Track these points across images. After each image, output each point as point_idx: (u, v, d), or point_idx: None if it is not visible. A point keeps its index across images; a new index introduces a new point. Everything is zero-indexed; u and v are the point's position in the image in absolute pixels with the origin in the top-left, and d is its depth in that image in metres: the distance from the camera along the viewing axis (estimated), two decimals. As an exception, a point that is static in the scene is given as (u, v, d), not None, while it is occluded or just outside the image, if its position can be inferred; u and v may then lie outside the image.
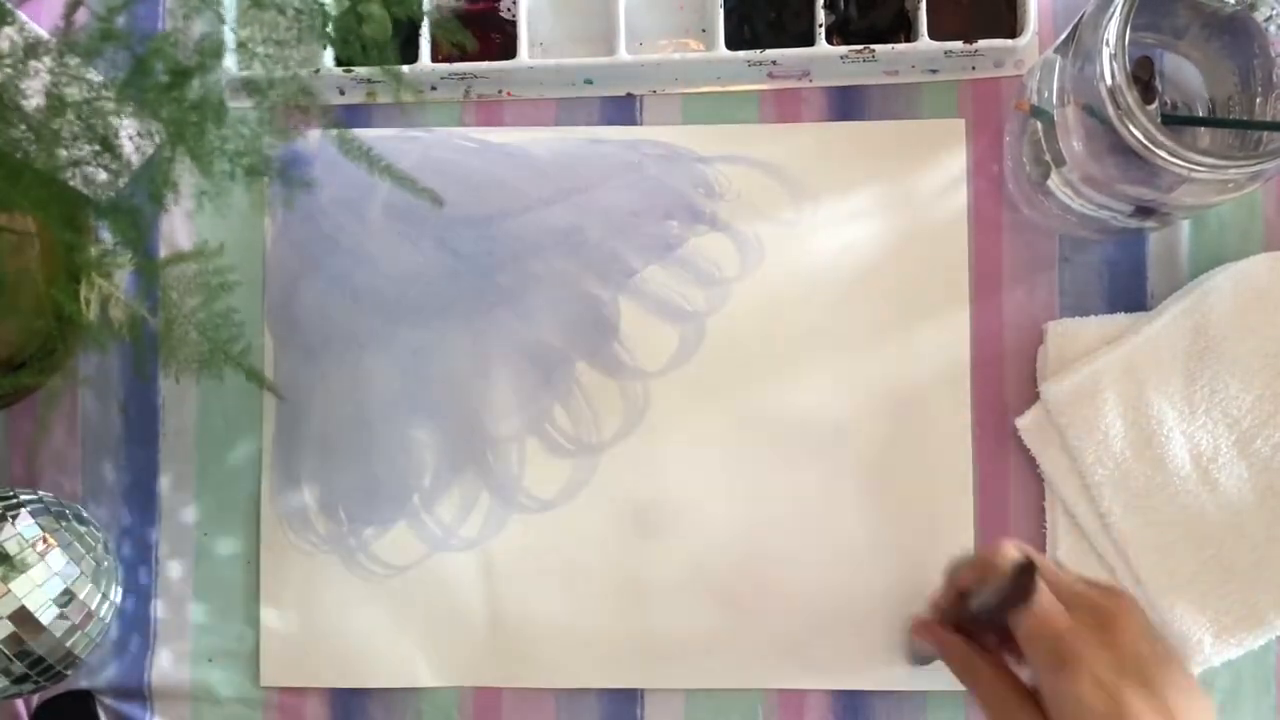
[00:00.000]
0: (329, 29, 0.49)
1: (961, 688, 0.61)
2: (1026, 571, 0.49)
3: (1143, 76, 0.57)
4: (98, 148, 0.48)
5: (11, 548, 0.59)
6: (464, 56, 0.65)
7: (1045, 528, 0.63)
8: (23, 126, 0.48)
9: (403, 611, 0.65)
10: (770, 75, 0.65)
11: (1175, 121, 0.57)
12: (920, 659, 0.61)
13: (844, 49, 0.63)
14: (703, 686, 0.64)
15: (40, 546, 0.60)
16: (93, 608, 0.61)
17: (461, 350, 0.64)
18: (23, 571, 0.58)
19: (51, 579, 0.60)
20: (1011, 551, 0.52)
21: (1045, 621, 0.49)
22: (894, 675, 0.63)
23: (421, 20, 0.64)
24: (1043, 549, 0.63)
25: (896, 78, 0.65)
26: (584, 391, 0.65)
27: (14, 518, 0.60)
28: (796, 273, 0.65)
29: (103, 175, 0.52)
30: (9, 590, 0.58)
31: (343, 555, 0.65)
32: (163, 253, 0.66)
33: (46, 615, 0.59)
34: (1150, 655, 0.48)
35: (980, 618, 0.53)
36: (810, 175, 0.65)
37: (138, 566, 0.66)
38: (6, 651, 0.58)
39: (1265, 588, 0.60)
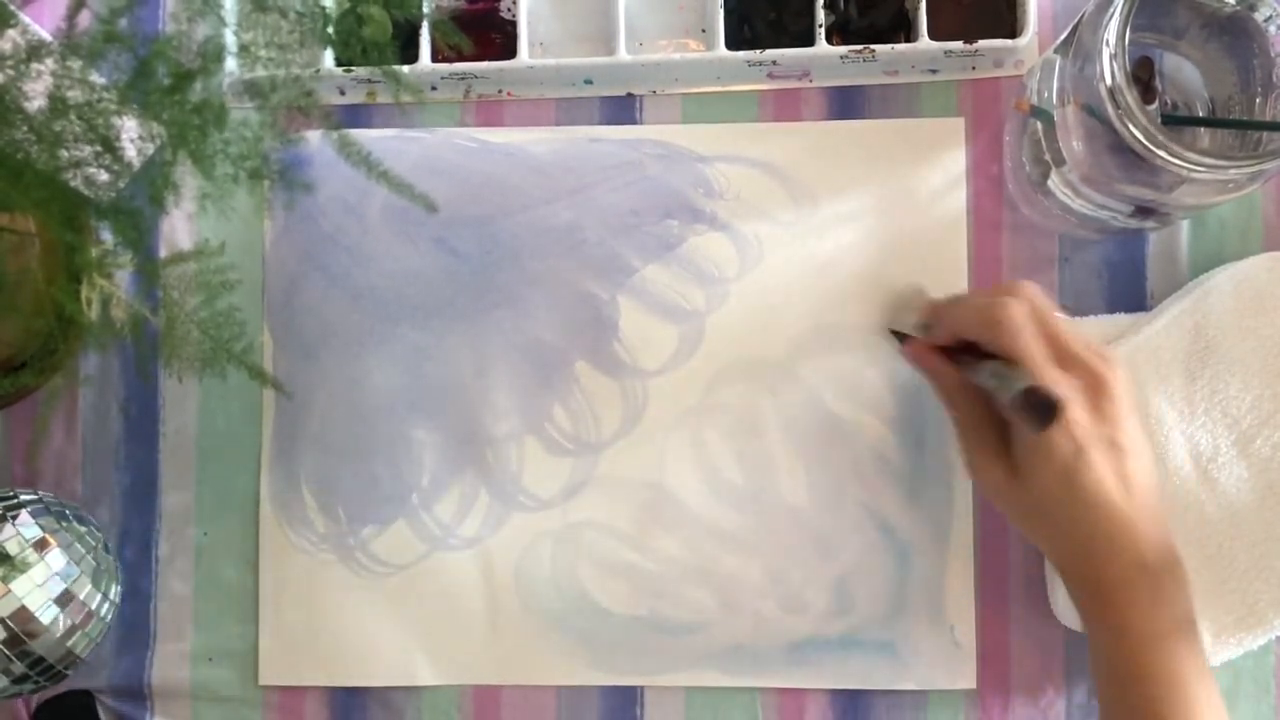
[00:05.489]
0: (329, 30, 0.49)
1: (960, 686, 0.61)
2: (1051, 409, 0.49)
3: (1143, 76, 0.57)
4: (99, 149, 0.48)
5: (11, 548, 0.59)
6: (464, 56, 0.65)
7: (1045, 527, 0.63)
8: (25, 128, 0.48)
9: (402, 610, 0.65)
10: (770, 75, 0.65)
11: (1175, 122, 0.57)
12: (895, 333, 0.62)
13: (844, 49, 0.63)
14: (703, 686, 0.64)
15: (41, 547, 0.60)
16: (93, 607, 0.61)
17: (461, 349, 0.64)
18: (23, 571, 0.58)
19: (51, 579, 0.60)
20: (1019, 317, 0.51)
21: (1037, 374, 0.50)
22: (894, 675, 0.63)
23: (421, 23, 0.64)
24: (1042, 548, 0.64)
25: (896, 78, 0.65)
26: (583, 391, 0.65)
27: (14, 518, 0.60)
28: (796, 272, 0.65)
29: (104, 176, 0.52)
30: (9, 590, 0.58)
31: (342, 554, 0.65)
32: (163, 252, 0.66)
33: (46, 615, 0.59)
34: (1125, 423, 0.51)
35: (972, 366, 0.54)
36: (810, 175, 0.65)
37: (138, 566, 0.66)
38: (6, 651, 0.58)
39: (1265, 588, 0.60)
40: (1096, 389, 0.51)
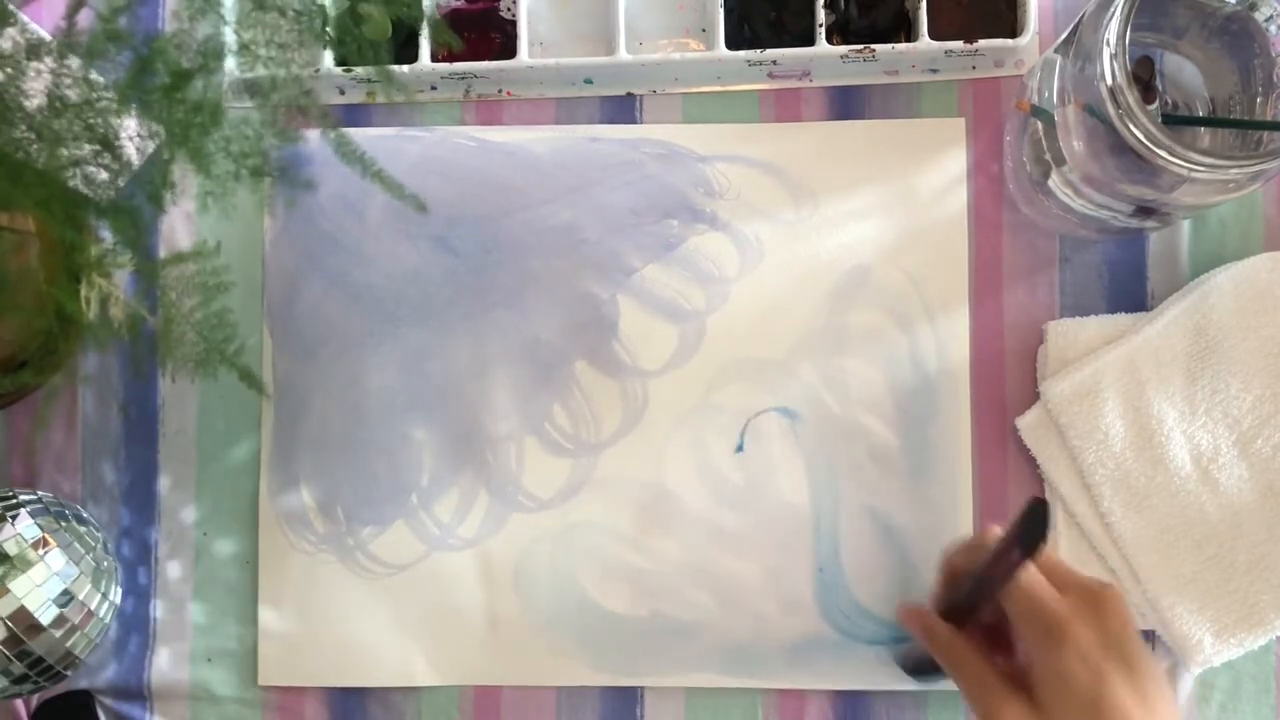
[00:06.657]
0: (328, 29, 0.49)
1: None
2: (1034, 521, 0.48)
3: (1143, 76, 0.57)
4: (98, 148, 0.48)
5: (11, 548, 0.59)
6: (464, 56, 0.65)
7: (1045, 528, 0.63)
8: (24, 126, 0.48)
9: (401, 611, 0.65)
10: (770, 75, 0.65)
11: (1176, 121, 0.57)
12: (915, 666, 0.61)
13: (844, 49, 0.63)
14: (703, 686, 0.64)
15: (40, 547, 0.60)
16: (92, 608, 0.61)
17: (460, 349, 0.64)
18: (22, 571, 0.58)
19: (51, 579, 0.59)
20: (998, 531, 0.54)
21: (1037, 596, 0.50)
22: (894, 676, 0.63)
23: (422, 24, 0.64)
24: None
25: (896, 77, 0.65)
26: (583, 391, 0.65)
27: (14, 518, 0.60)
28: (796, 272, 0.65)
29: (103, 175, 0.51)
30: (9, 590, 0.58)
31: (341, 555, 0.65)
32: (162, 252, 0.66)
33: (46, 615, 0.59)
34: (1134, 642, 0.49)
35: (974, 598, 0.53)
36: (810, 175, 0.65)
37: (137, 566, 0.66)
38: (6, 652, 0.58)
39: (1265, 588, 0.60)
40: (1098, 608, 0.50)
